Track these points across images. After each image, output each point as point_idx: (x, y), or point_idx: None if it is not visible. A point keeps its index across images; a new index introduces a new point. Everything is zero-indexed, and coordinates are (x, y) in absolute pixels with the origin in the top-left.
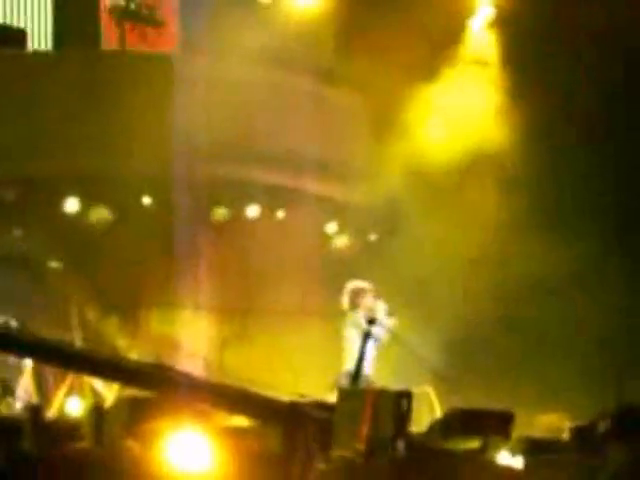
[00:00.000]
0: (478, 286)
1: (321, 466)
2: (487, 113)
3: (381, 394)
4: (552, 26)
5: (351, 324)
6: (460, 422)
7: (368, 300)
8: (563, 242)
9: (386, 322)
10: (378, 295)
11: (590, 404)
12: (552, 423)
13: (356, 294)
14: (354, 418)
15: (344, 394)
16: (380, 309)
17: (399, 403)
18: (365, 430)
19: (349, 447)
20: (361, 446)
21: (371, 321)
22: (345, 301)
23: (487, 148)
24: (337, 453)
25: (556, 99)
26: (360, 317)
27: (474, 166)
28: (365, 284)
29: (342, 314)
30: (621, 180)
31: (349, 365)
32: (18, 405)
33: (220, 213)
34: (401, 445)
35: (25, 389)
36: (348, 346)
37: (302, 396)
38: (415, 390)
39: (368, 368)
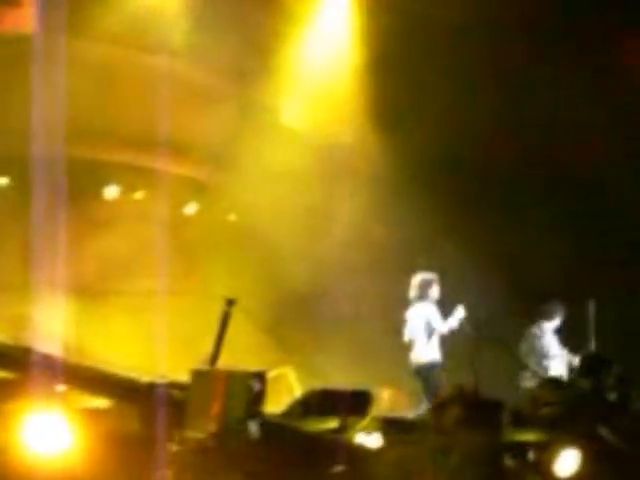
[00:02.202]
0: (326, 271)
1: (175, 447)
2: (346, 88)
3: (232, 375)
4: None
5: (419, 315)
6: (318, 402)
7: (435, 291)
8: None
9: (456, 313)
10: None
11: None
12: (390, 399)
13: (425, 285)
14: (206, 399)
15: (197, 375)
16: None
17: (250, 384)
18: (216, 411)
19: (201, 428)
20: (212, 427)
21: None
22: (413, 292)
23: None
24: (190, 434)
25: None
26: (428, 308)
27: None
28: (433, 275)
29: (406, 304)
30: None
31: (420, 355)
32: None
33: (78, 194)
34: (254, 426)
35: None
36: (414, 336)
37: (162, 377)
38: (274, 370)
39: (437, 355)
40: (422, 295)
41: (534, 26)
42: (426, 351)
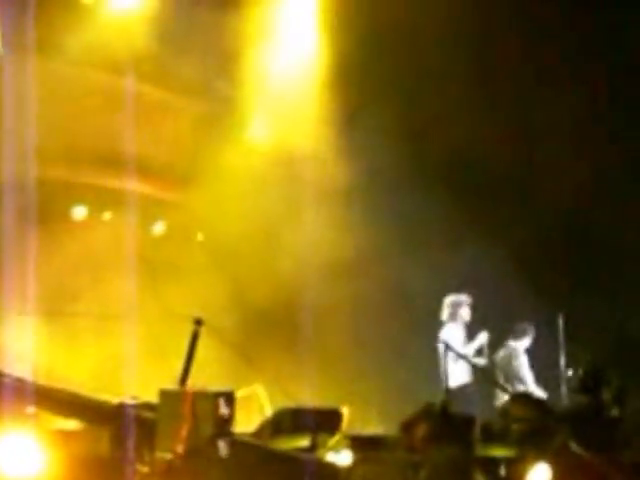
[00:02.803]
0: (295, 290)
1: (144, 468)
2: (315, 100)
3: (199, 395)
4: None
5: (446, 337)
6: (289, 421)
7: (466, 312)
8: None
9: (481, 337)
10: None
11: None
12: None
13: (455, 306)
14: (174, 419)
15: (164, 395)
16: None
17: (218, 403)
18: (184, 431)
19: (169, 449)
20: (180, 447)
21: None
22: (445, 313)
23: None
24: (158, 455)
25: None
26: (454, 330)
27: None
28: (464, 297)
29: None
30: None
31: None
32: None
33: (46, 215)
34: (223, 445)
35: None
36: (444, 360)
37: (133, 398)
38: (244, 390)
39: (466, 377)
40: (452, 316)
41: (523, 28)
42: (455, 374)
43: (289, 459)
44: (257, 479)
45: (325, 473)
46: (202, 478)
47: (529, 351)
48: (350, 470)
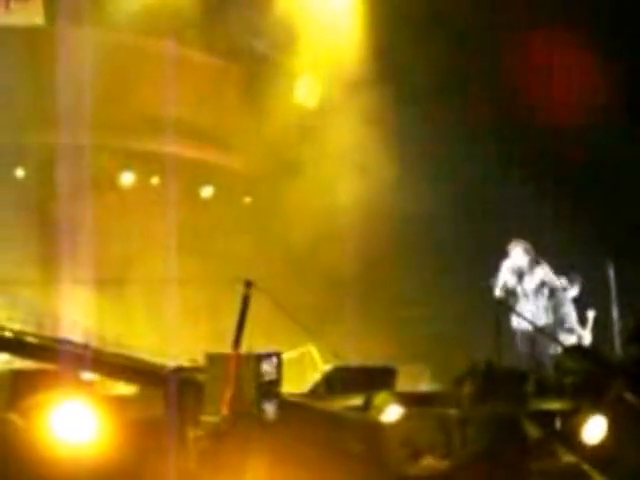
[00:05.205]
0: (342, 248)
1: (193, 432)
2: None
3: (243, 357)
4: None
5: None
6: (343, 380)
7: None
8: None
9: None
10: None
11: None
12: (412, 373)
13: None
14: (220, 382)
15: (211, 359)
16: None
17: (262, 365)
18: (228, 394)
19: (216, 412)
20: (225, 410)
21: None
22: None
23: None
24: (206, 418)
25: None
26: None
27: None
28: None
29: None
30: None
31: None
32: None
33: (95, 181)
34: (270, 407)
35: None
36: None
37: (192, 361)
38: (297, 350)
39: None
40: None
41: None
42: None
43: (336, 418)
44: (303, 440)
45: (370, 430)
46: (247, 440)
47: (578, 301)
48: (394, 426)
